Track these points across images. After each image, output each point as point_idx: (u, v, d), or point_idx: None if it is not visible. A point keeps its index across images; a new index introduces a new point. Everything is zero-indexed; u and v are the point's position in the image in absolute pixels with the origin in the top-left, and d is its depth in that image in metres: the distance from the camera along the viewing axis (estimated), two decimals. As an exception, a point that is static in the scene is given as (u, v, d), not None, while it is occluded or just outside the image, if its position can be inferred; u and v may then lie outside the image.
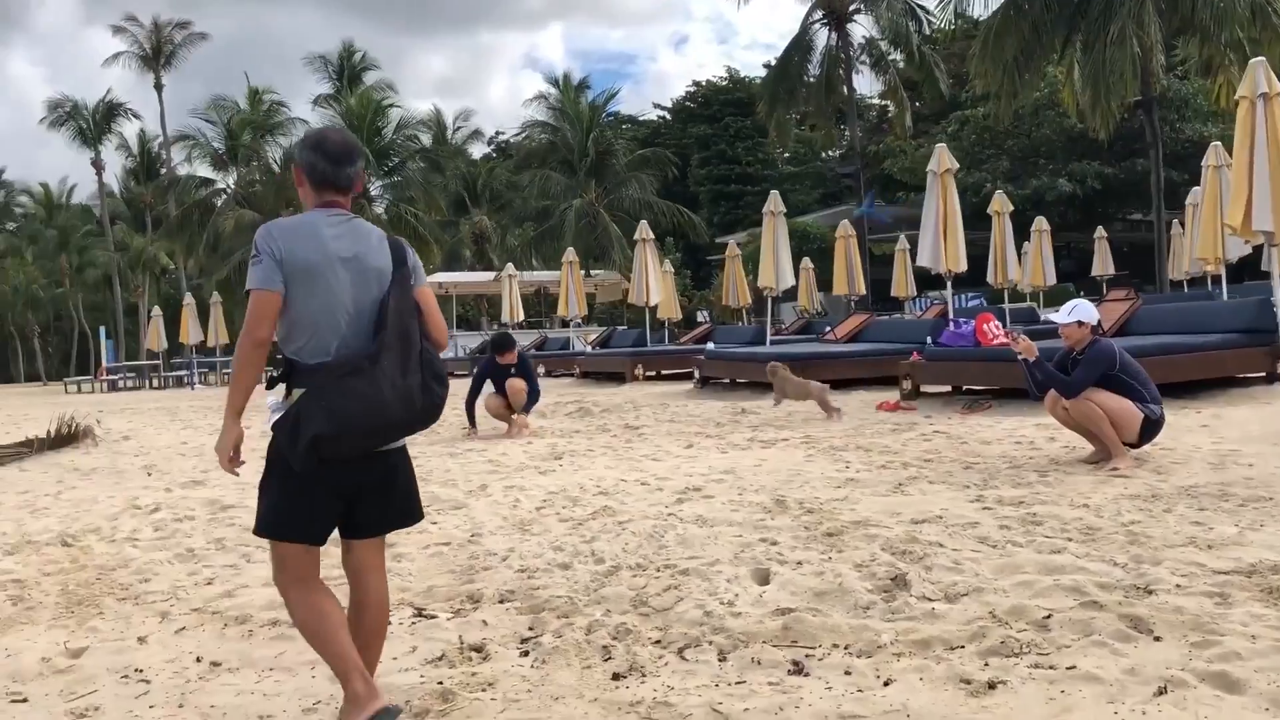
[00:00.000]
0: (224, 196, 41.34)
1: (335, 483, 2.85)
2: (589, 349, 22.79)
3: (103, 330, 45.69)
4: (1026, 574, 4.23)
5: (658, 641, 3.74)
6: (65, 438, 10.52)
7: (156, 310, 33.43)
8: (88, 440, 10.74)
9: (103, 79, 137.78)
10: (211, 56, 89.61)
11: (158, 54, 51.35)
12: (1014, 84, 25.44)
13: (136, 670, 3.81)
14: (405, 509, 3.12)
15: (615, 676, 3.43)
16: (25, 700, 3.56)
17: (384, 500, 3.03)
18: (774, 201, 18.05)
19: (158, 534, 6.27)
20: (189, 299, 30.75)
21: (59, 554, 5.88)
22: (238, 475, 3.04)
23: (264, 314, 2.77)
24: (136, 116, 56.95)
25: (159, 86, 51.18)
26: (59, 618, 4.69)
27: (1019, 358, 6.66)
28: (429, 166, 40.47)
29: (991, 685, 3.11)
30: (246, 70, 61.13)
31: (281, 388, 2.84)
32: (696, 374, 15.12)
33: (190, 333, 29.82)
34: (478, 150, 54.35)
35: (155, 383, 31.59)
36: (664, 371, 18.42)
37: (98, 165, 55.80)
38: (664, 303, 23.44)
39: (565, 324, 28.48)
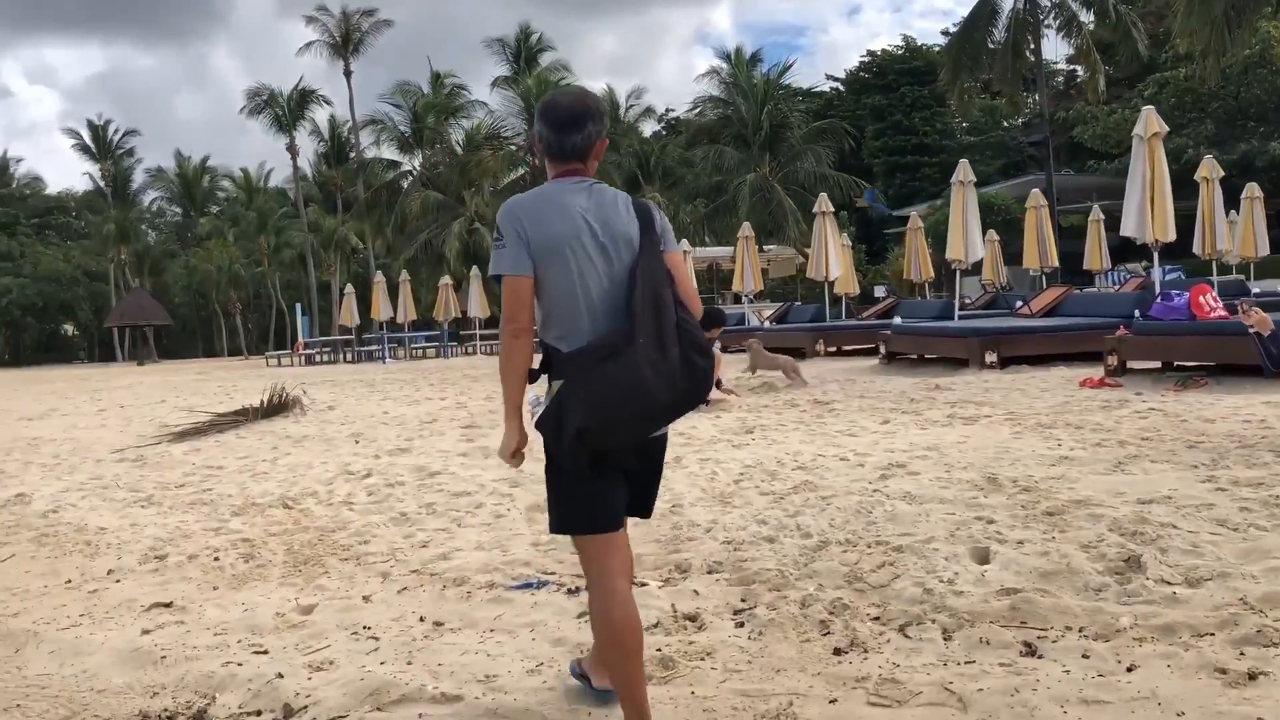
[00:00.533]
0: (410, 178, 42.89)
1: (613, 467, 2.69)
2: (765, 324, 22.60)
3: (298, 307, 48.22)
4: (1278, 559, 3.92)
5: (876, 618, 3.65)
6: (276, 407, 11.14)
7: (349, 288, 35.03)
8: (296, 409, 11.33)
9: (295, 68, 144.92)
10: (395, 43, 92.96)
11: (346, 41, 53.49)
12: (1223, 41, 23.74)
13: (365, 628, 3.98)
14: (656, 492, 2.99)
15: (836, 651, 3.37)
16: (266, 652, 3.76)
17: (649, 485, 2.92)
18: (963, 171, 17.40)
19: (371, 498, 6.55)
20: (379, 277, 32.13)
21: (281, 515, 6.21)
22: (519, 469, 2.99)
23: (520, 300, 2.64)
24: (327, 102, 59.70)
25: (348, 73, 53.35)
26: (288, 576, 4.95)
27: (1250, 331, 6.18)
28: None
29: (1252, 676, 2.90)
30: (429, 55, 63.29)
31: (543, 380, 2.70)
32: (882, 349, 14.75)
33: (381, 309, 31.16)
34: (649, 128, 54.67)
35: (349, 357, 33.15)
36: (845, 347, 18.08)
37: (292, 150, 58.79)
38: (843, 277, 23.00)
39: (738, 299, 28.33)
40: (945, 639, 3.41)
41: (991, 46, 34.20)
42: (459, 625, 3.94)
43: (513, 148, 38.87)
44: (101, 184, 67.16)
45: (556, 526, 2.83)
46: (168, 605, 4.58)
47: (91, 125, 66.07)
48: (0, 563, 5.62)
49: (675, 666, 3.32)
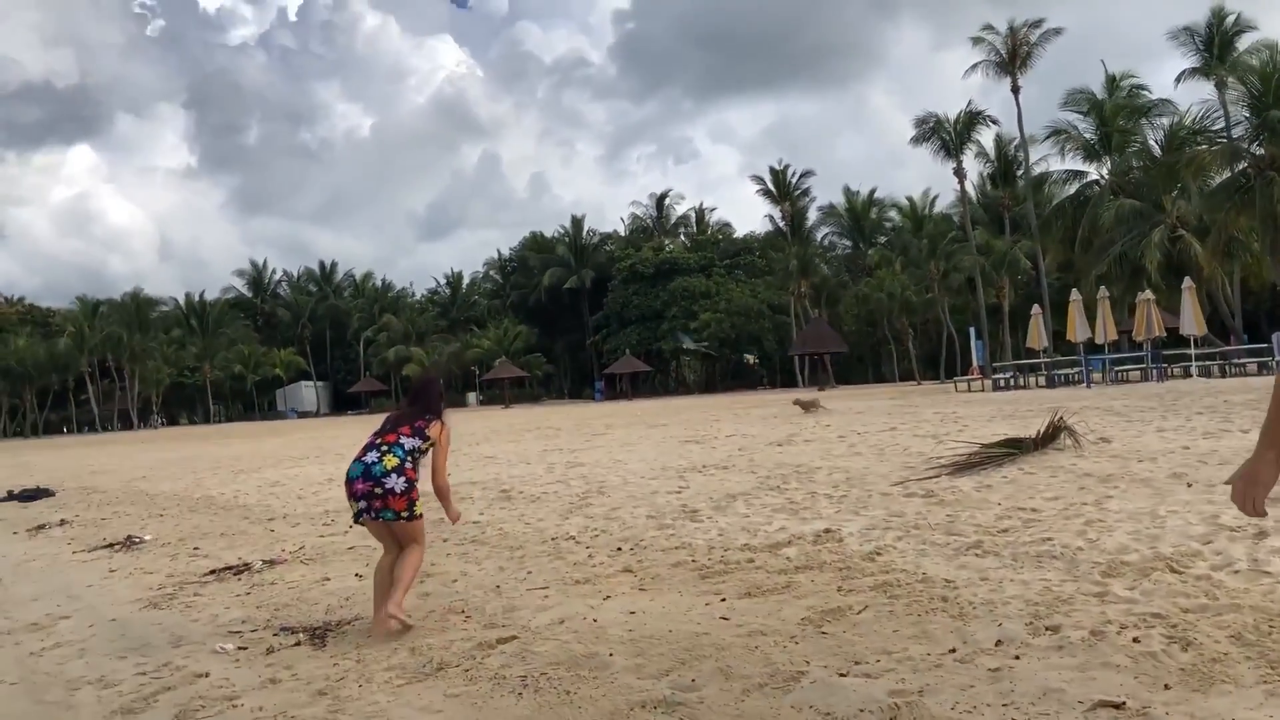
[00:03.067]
0: (1096, 188, 39.69)
1: None
2: None
3: (972, 331, 47.19)
4: None
5: None
6: (1048, 437, 9.90)
7: (1035, 309, 33.07)
8: (1068, 440, 9.98)
9: (950, 98, 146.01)
10: (1057, 51, 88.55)
11: (1014, 57, 51.69)
12: None
13: None
14: None
15: None
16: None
17: None
18: None
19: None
20: (1074, 295, 29.73)
21: (1172, 581, 4.85)
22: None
23: None
24: (994, 122, 58.34)
25: (1015, 89, 51.46)
26: (1268, 680, 3.58)
27: None
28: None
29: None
30: (1101, 59, 58.86)
31: None
32: None
33: (1077, 329, 28.79)
34: None
35: (1039, 381, 31.20)
36: None
37: (959, 174, 58.34)
38: None
39: None
40: None
41: None
42: None
43: (1222, 140, 33.88)
44: (781, 224, 72.78)
45: None
46: (1117, 706, 3.44)
47: (772, 170, 72.12)
48: (856, 614, 4.98)
49: None
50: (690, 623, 5.09)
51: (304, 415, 76.96)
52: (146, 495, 15.52)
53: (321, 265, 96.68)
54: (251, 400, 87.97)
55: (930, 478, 9.06)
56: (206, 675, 5.10)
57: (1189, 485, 7.47)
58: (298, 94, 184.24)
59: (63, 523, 12.91)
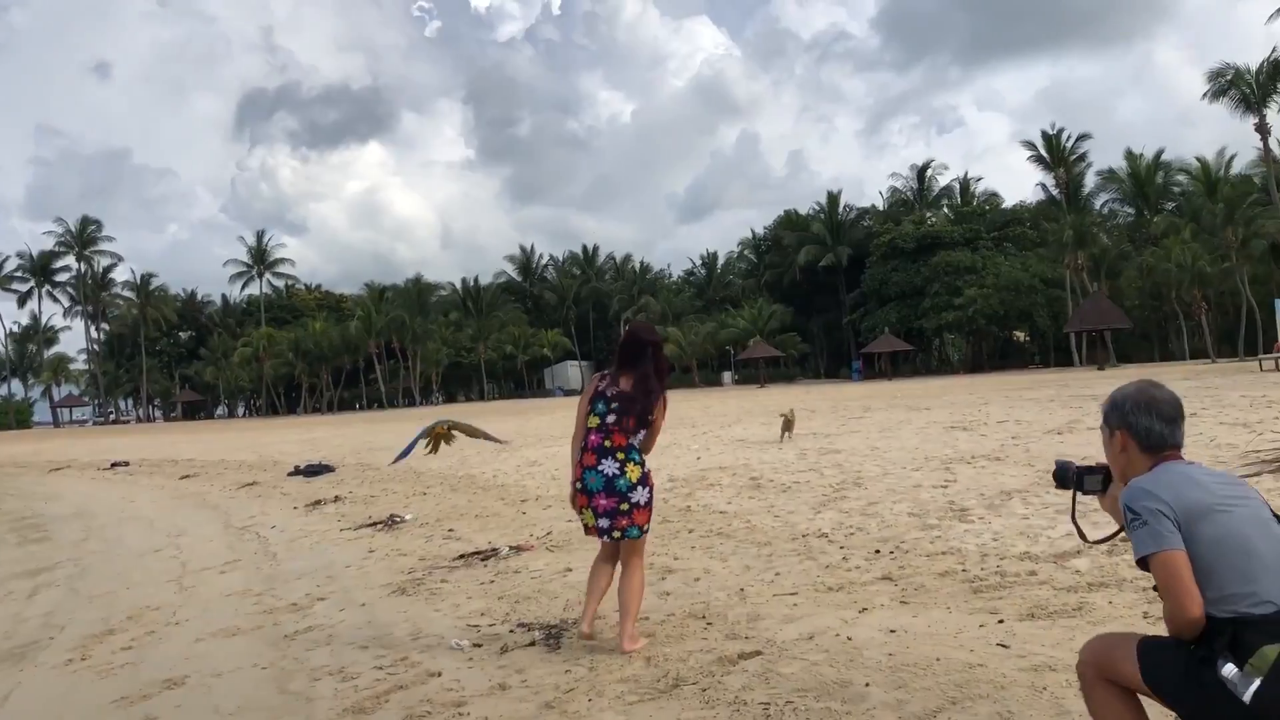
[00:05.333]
0: None
1: None
2: None
3: (1276, 303, 42.30)
4: None
5: None
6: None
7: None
8: None
9: (1251, 49, 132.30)
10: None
11: (1332, -7, 45.78)
12: None
13: None
14: None
15: None
16: None
17: None
18: None
19: None
20: None
21: None
22: None
23: None
24: (1306, 68, 52.07)
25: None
26: None
27: None
28: None
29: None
30: None
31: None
32: None
33: None
34: None
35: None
36: None
37: (1261, 129, 52.51)
38: None
39: None
40: None
41: None
42: None
43: None
44: (1055, 192, 68.16)
45: None
46: None
47: (1045, 135, 67.54)
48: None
49: None
50: (961, 649, 4.38)
51: (570, 393, 79.44)
52: (415, 473, 16.12)
53: (585, 249, 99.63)
54: (521, 379, 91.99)
55: (1250, 475, 7.76)
56: (439, 675, 4.92)
57: None
58: (564, 85, 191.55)
59: (337, 499, 13.54)
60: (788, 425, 15.22)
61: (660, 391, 5.03)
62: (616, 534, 4.99)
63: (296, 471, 18.43)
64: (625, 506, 4.92)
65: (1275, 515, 2.64)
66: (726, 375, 78.14)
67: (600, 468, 4.94)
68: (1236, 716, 2.41)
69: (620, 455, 4.93)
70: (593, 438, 5.01)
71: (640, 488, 4.93)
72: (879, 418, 18.30)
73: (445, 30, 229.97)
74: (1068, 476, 2.98)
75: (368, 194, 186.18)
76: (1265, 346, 43.63)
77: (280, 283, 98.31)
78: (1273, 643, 2.36)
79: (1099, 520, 3.61)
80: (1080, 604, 4.90)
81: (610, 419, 4.97)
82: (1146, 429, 2.74)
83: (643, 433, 5.03)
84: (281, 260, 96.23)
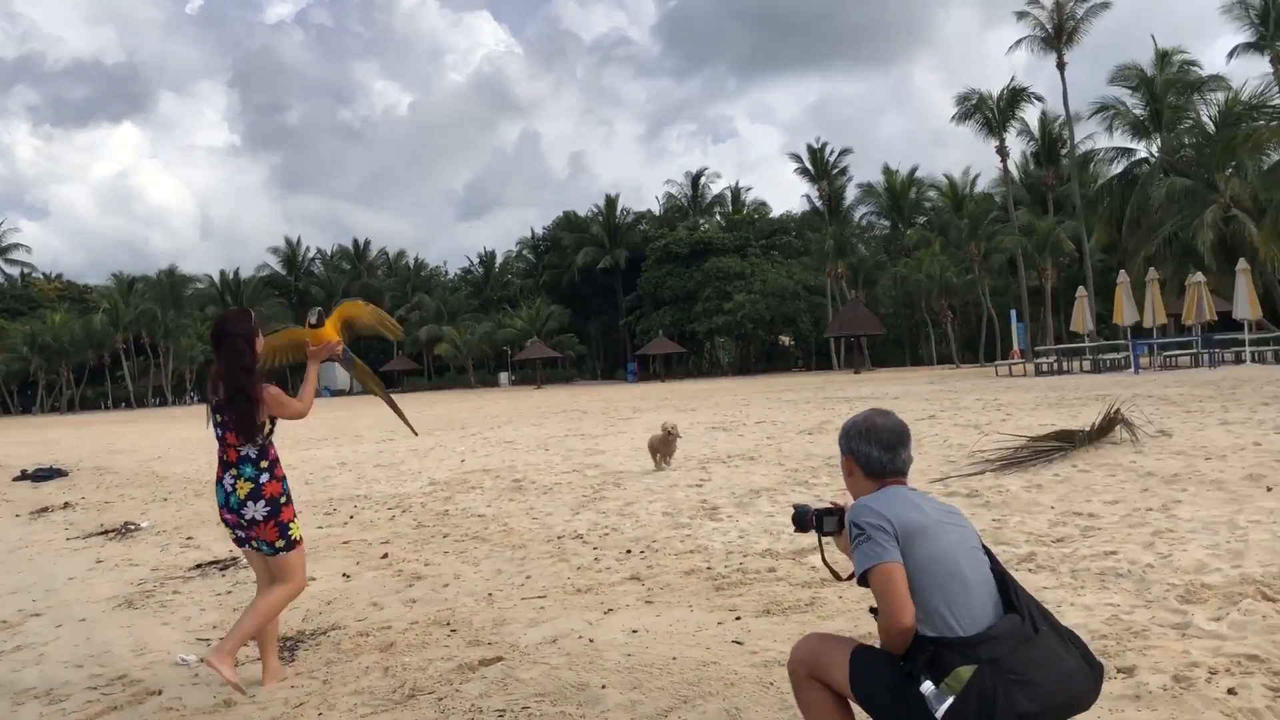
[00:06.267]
0: (1145, 166, 38.36)
1: None
2: None
3: (1013, 313, 46.13)
4: None
5: None
6: (1102, 429, 9.11)
7: (1080, 290, 31.96)
8: (1123, 434, 9.18)
9: (996, 77, 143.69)
10: (1104, 27, 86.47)
11: (1060, 32, 50.20)
12: None
13: None
14: None
15: None
16: None
17: None
18: None
19: None
20: (1122, 277, 28.58)
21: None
22: None
23: None
24: (1038, 99, 56.95)
25: (1061, 65, 49.98)
26: None
27: None
28: None
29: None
30: (1151, 34, 57.09)
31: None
32: None
33: (1125, 313, 27.71)
34: None
35: (1084, 366, 30.20)
36: None
37: (1001, 152, 56.96)
38: None
39: None
40: None
41: None
42: None
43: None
44: (819, 203, 71.62)
45: None
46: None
47: (810, 149, 70.94)
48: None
49: None
50: (698, 647, 4.44)
51: (337, 393, 76.86)
52: (157, 477, 15.11)
53: (355, 243, 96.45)
54: (284, 378, 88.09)
55: (974, 474, 8.32)
56: (159, 694, 4.58)
57: (1269, 489, 6.68)
58: (337, 72, 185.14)
59: (66, 505, 12.50)
60: (661, 446, 10.64)
61: (248, 390, 4.44)
62: (251, 544, 4.61)
63: (23, 476, 16.92)
64: (244, 523, 4.52)
65: (984, 546, 2.77)
66: (503, 376, 77.68)
67: (223, 481, 4.57)
68: None
69: (234, 471, 4.52)
70: (217, 449, 4.63)
71: (252, 503, 4.48)
72: (646, 419, 18.60)
73: (209, 8, 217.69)
74: (806, 520, 3.04)
75: (119, 178, 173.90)
76: (1003, 353, 47.41)
77: (14, 270, 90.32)
78: (967, 664, 2.46)
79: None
80: (813, 599, 5.08)
81: (219, 431, 4.57)
82: (866, 455, 2.86)
83: (252, 443, 4.53)
84: (15, 246, 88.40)
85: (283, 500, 4.56)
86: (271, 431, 4.62)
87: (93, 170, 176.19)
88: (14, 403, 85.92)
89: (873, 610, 2.70)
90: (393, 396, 4.90)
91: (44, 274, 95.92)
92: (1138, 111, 40.31)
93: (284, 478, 4.63)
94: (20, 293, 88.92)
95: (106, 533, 9.89)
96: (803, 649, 2.84)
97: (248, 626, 4.49)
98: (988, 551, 2.76)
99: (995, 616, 2.58)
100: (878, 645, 2.71)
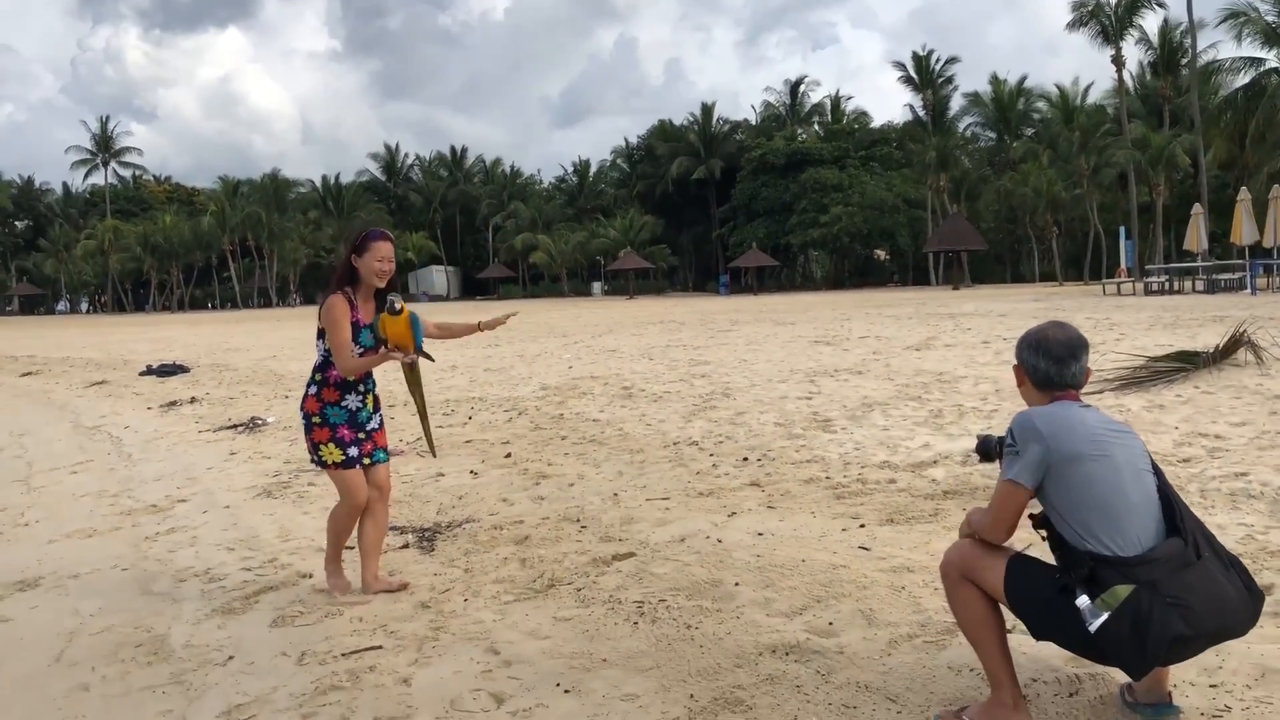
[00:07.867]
0: (1275, 78, 36.33)
1: None
2: None
3: (1122, 230, 44.48)
4: None
5: None
6: (1226, 350, 8.88)
7: (1196, 208, 30.70)
8: (1250, 355, 8.94)
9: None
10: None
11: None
12: None
13: None
14: None
15: None
16: None
17: None
18: None
19: None
20: (1243, 194, 27.35)
21: None
22: None
23: None
24: (1160, 5, 53.94)
25: (1190, -33, 47.29)
26: None
27: None
28: None
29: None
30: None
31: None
32: None
33: (1244, 232, 26.58)
34: None
35: (1197, 286, 29.16)
36: None
37: (1117, 61, 54.39)
38: None
39: None
40: None
41: None
42: None
43: None
44: (922, 114, 69.54)
45: None
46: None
47: (915, 57, 68.57)
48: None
49: None
50: (826, 551, 4.57)
51: (435, 299, 78.21)
52: (275, 375, 15.70)
53: (453, 150, 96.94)
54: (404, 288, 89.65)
55: (1093, 393, 8.24)
56: (309, 577, 4.87)
57: None
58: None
59: (193, 400, 13.11)
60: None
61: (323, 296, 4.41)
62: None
63: (149, 371, 17.74)
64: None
65: (1154, 466, 2.77)
66: (596, 285, 78.04)
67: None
68: (1080, 644, 2.60)
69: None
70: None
71: (300, 412, 4.52)
72: (746, 331, 18.63)
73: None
74: (990, 449, 3.11)
75: (223, 82, 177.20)
76: (1109, 272, 45.95)
77: (127, 173, 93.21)
78: (1126, 583, 2.51)
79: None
80: (936, 510, 5.16)
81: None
82: (1034, 366, 2.87)
83: (321, 345, 4.41)
84: (128, 149, 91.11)
85: (315, 420, 4.39)
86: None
87: (198, 74, 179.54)
88: (129, 301, 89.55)
89: (1030, 516, 2.77)
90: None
91: (154, 176, 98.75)
92: (1270, 18, 37.95)
93: (331, 402, 4.39)
94: (133, 194, 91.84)
95: (235, 426, 10.38)
96: (957, 551, 2.93)
97: (328, 535, 4.66)
98: (1157, 471, 2.76)
99: (1158, 538, 2.60)
100: (1031, 553, 2.80)
